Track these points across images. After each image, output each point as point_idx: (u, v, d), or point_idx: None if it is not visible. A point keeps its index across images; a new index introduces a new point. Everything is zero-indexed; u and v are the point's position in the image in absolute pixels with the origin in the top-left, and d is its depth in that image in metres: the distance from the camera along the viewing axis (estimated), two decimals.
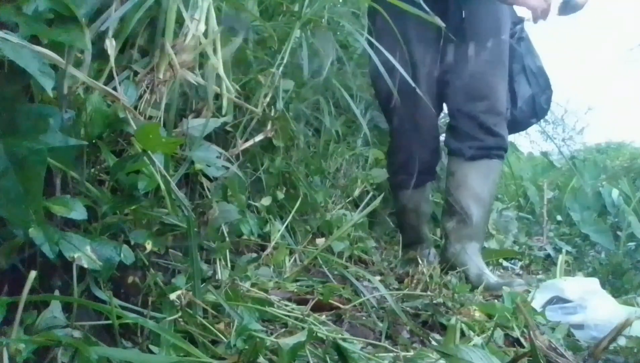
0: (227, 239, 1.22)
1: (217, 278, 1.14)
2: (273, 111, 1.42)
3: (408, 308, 1.36)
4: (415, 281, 1.49)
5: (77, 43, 0.80)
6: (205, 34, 1.03)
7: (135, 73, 1.00)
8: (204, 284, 0.97)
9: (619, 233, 2.82)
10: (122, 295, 0.93)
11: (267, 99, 1.32)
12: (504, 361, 0.95)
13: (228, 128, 1.31)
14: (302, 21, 1.38)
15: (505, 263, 2.37)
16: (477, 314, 1.33)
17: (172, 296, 0.88)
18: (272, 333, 1.01)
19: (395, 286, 1.58)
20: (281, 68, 1.32)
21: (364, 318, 1.26)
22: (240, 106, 1.27)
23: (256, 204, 1.46)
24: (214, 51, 1.06)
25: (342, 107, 1.95)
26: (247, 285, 1.17)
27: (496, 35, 1.88)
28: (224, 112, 1.13)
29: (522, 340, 1.21)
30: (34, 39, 0.75)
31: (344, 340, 0.95)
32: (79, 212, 0.80)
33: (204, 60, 1.07)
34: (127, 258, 0.87)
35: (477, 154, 1.86)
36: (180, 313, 0.89)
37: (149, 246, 0.92)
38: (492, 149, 1.88)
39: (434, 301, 1.36)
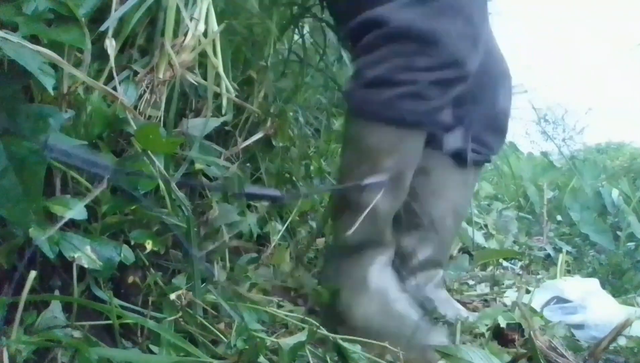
0: (227, 239, 1.22)
1: (216, 278, 1.14)
2: (272, 109, 1.42)
3: None
4: None
5: (77, 43, 0.80)
6: (205, 34, 1.03)
7: (135, 73, 1.00)
8: (204, 284, 0.97)
9: (619, 233, 2.82)
10: (122, 295, 0.93)
11: (266, 97, 1.32)
12: (504, 361, 0.95)
13: (228, 128, 1.31)
14: (301, 20, 1.38)
15: (505, 263, 2.36)
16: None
17: (172, 296, 0.88)
18: (272, 333, 1.01)
19: None
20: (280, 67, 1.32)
21: None
22: (240, 106, 1.27)
23: (256, 204, 1.46)
24: (214, 50, 1.06)
25: (342, 107, 1.94)
26: (247, 285, 1.17)
27: None
28: (223, 111, 1.13)
29: None
30: (34, 39, 0.75)
31: (344, 340, 0.95)
32: (79, 212, 0.80)
33: (204, 60, 1.07)
34: (127, 258, 0.87)
35: (479, 159, 1.30)
36: (180, 313, 0.89)
37: (149, 246, 0.92)
38: (492, 154, 1.34)
39: None
